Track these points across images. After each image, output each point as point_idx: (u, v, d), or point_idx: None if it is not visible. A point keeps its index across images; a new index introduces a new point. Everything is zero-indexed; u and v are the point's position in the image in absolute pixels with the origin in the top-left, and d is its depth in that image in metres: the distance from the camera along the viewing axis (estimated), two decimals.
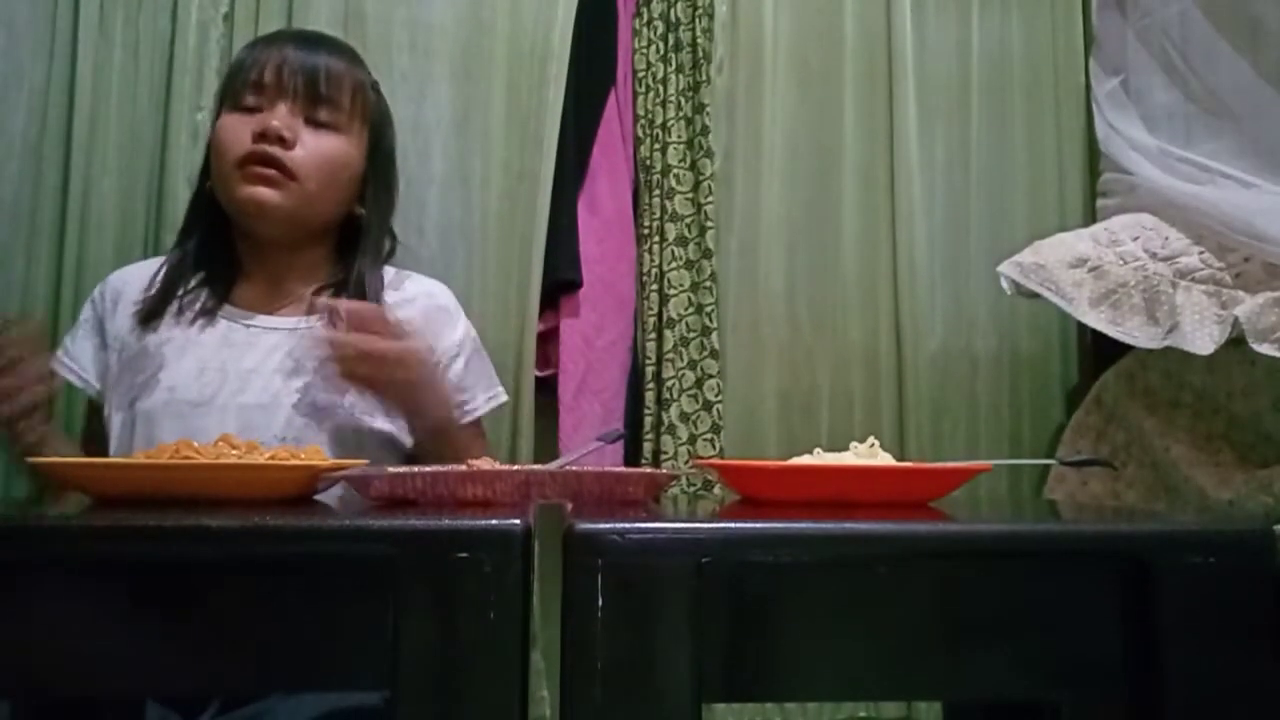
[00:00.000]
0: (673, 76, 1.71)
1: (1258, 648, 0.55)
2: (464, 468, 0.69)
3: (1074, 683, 0.56)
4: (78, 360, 1.13)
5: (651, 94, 1.71)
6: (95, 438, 1.14)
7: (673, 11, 1.72)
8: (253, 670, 0.55)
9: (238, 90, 1.10)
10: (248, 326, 1.10)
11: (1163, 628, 0.55)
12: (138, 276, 1.17)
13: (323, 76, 1.11)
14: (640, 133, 1.71)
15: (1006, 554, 0.57)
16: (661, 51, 1.72)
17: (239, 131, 1.08)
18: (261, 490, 0.66)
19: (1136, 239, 1.42)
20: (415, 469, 0.69)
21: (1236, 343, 1.25)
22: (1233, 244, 1.34)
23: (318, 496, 0.71)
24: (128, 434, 1.07)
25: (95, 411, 1.14)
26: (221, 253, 1.15)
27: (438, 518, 0.57)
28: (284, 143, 1.07)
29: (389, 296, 1.16)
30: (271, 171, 1.07)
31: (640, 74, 1.72)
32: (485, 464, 0.73)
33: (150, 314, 1.11)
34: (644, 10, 1.73)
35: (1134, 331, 1.33)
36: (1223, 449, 1.36)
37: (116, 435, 1.08)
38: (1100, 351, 1.63)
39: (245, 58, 1.13)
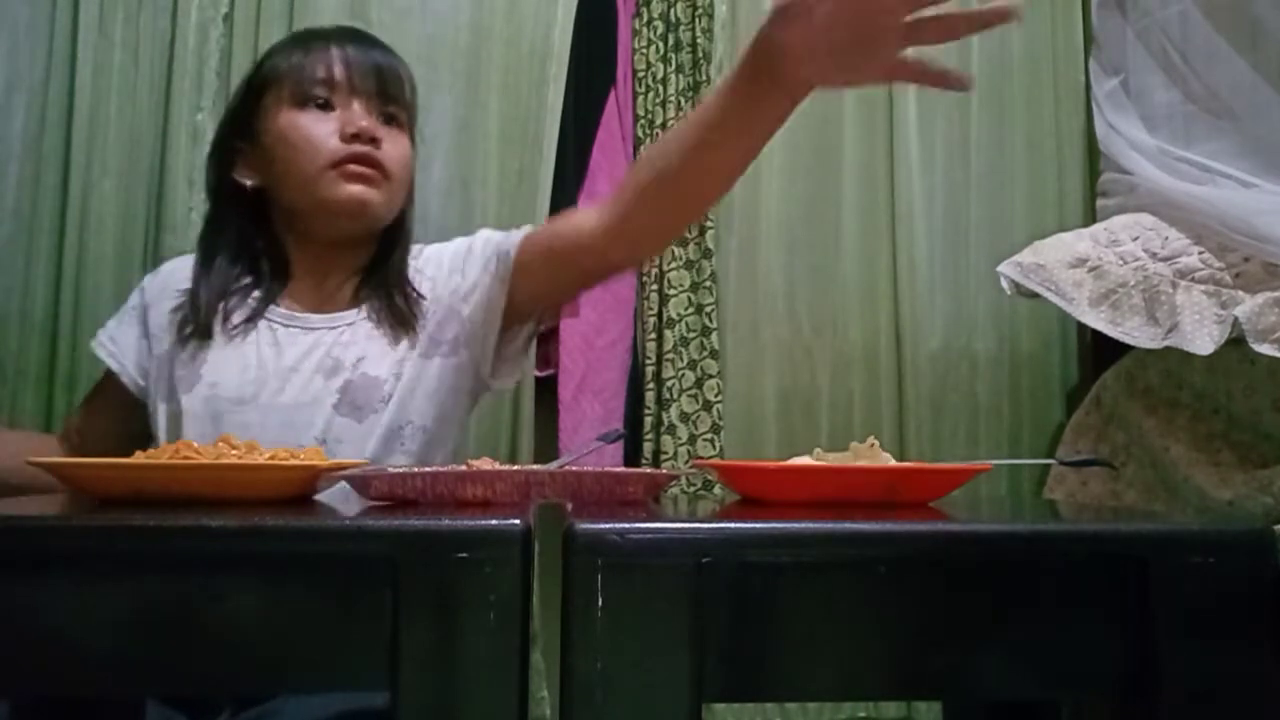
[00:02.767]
0: (673, 76, 1.71)
1: (1257, 647, 0.55)
2: (464, 468, 0.69)
3: (1074, 683, 0.56)
4: (119, 345, 1.13)
5: (651, 94, 1.71)
6: (98, 415, 1.14)
7: (673, 11, 1.72)
8: (252, 670, 0.55)
9: (304, 86, 1.07)
10: (288, 326, 1.09)
11: (1162, 628, 0.55)
12: (188, 268, 1.14)
13: (389, 75, 1.10)
14: (640, 133, 1.71)
15: (1006, 554, 0.57)
16: (661, 51, 1.72)
17: (320, 130, 1.06)
18: (261, 490, 0.66)
19: (1136, 239, 1.42)
20: (415, 469, 0.69)
21: (1236, 343, 1.24)
22: (1233, 244, 1.34)
23: (318, 496, 0.71)
24: (174, 428, 1.07)
25: (113, 393, 1.13)
26: (271, 254, 1.12)
27: (438, 518, 0.57)
28: (375, 143, 1.07)
29: (414, 264, 1.15)
30: (371, 171, 1.06)
31: (640, 74, 1.72)
32: (485, 464, 0.73)
33: (202, 329, 1.07)
34: (644, 10, 1.73)
35: (1134, 331, 1.33)
36: (1222, 449, 1.36)
37: (163, 429, 1.08)
38: (1100, 351, 1.63)
39: (298, 55, 1.09)
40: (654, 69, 1.71)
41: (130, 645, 0.54)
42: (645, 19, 1.72)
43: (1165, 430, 1.41)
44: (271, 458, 0.70)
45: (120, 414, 1.13)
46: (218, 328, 1.08)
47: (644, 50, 1.72)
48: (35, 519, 0.62)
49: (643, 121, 1.71)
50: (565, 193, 1.63)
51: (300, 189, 1.07)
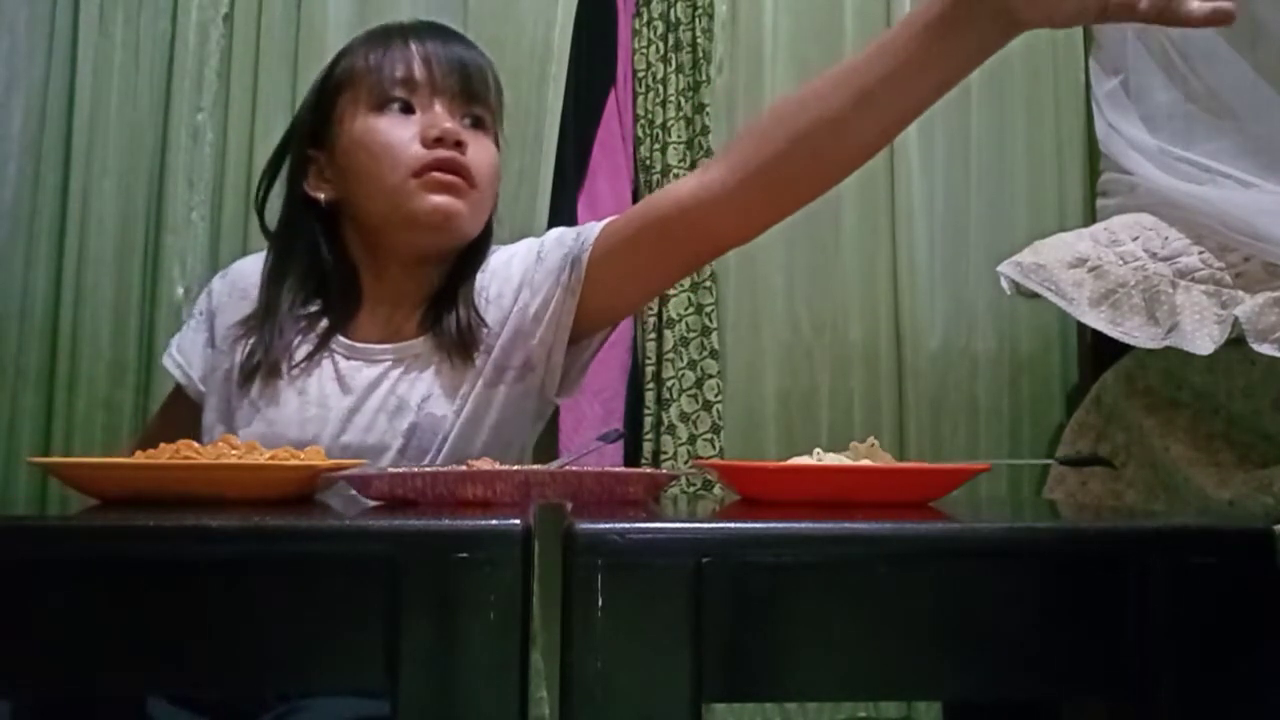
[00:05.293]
0: (673, 76, 1.71)
1: (1258, 648, 0.55)
2: (464, 468, 0.69)
3: (1074, 683, 0.56)
4: (186, 354, 1.07)
5: (651, 94, 1.71)
6: (171, 431, 1.04)
7: (673, 11, 1.72)
8: (252, 670, 0.55)
9: (383, 86, 0.98)
10: (350, 358, 1.00)
11: (1162, 628, 0.55)
12: (257, 271, 1.06)
13: (474, 72, 1.00)
14: (640, 133, 1.71)
15: (1006, 554, 0.57)
16: (661, 51, 1.72)
17: (401, 136, 0.96)
18: (261, 490, 0.66)
19: (1136, 239, 1.42)
20: (415, 469, 0.69)
21: (1236, 343, 1.24)
22: (1233, 244, 1.34)
23: (318, 496, 0.71)
24: None
25: (186, 407, 1.07)
26: (342, 278, 1.03)
27: (438, 518, 0.57)
28: (460, 147, 0.97)
29: (479, 281, 1.04)
30: (455, 179, 0.96)
31: (640, 74, 1.72)
32: (485, 464, 0.73)
33: (270, 364, 0.99)
34: (644, 10, 1.73)
35: (1134, 331, 1.33)
36: (1223, 449, 1.36)
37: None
38: (1100, 351, 1.63)
39: (375, 55, 0.99)
40: (654, 69, 1.71)
41: (130, 645, 0.54)
42: (645, 19, 1.72)
43: (1165, 430, 1.41)
44: (271, 458, 0.70)
45: (196, 422, 1.05)
46: (282, 349, 1.00)
47: (644, 50, 1.72)
48: (35, 519, 0.62)
49: (643, 121, 1.71)
50: (565, 193, 1.64)
51: (380, 201, 0.98)
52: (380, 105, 0.98)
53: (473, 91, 1.00)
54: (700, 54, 1.71)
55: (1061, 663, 0.56)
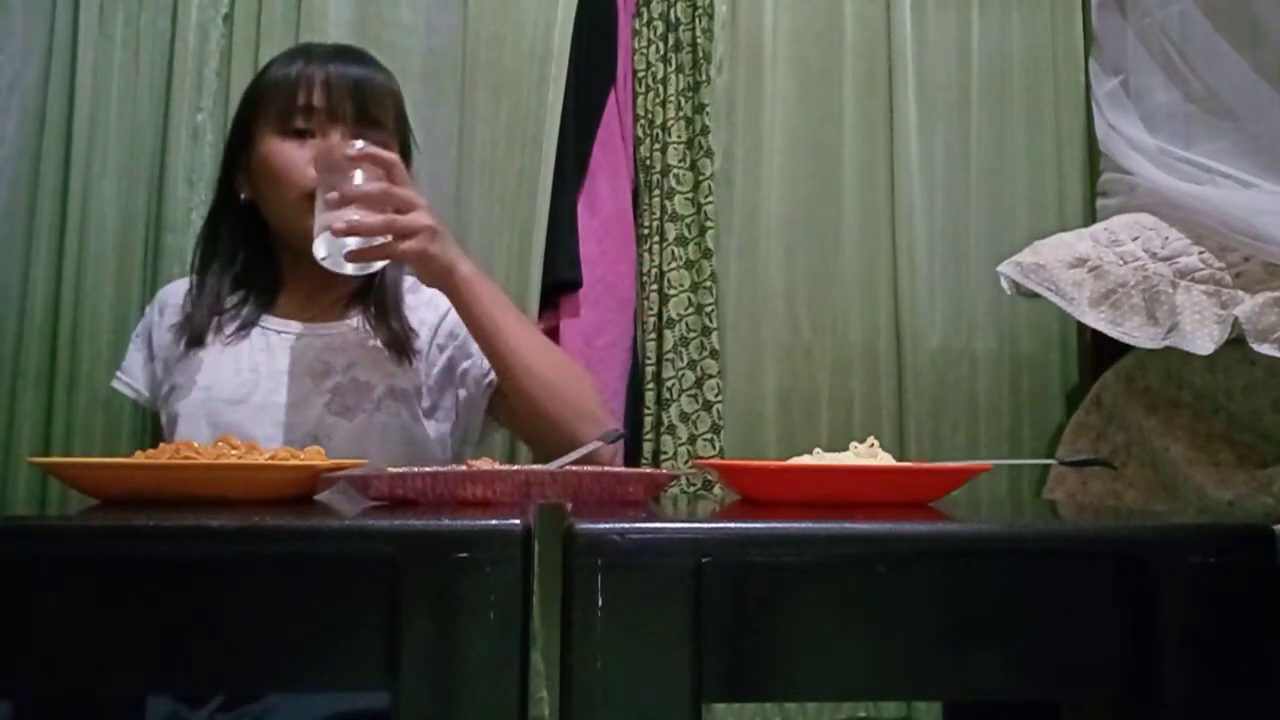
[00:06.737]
0: (673, 76, 1.71)
1: (1258, 647, 0.55)
2: (464, 468, 0.70)
3: (1074, 683, 0.56)
4: (129, 372, 1.19)
5: (651, 94, 1.71)
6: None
7: (673, 11, 1.72)
8: (252, 670, 0.55)
9: (285, 113, 1.10)
10: (280, 333, 1.14)
11: (1163, 628, 0.55)
12: (185, 289, 1.19)
13: (370, 98, 1.12)
14: (640, 133, 1.71)
15: (1006, 554, 0.57)
16: (661, 51, 1.71)
17: (297, 160, 1.08)
18: (261, 490, 0.66)
19: (1136, 239, 1.42)
20: (415, 469, 0.69)
21: (1236, 343, 1.24)
22: (1233, 244, 1.34)
23: (318, 496, 0.71)
24: (170, 433, 1.11)
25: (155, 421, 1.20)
26: (263, 267, 1.17)
27: (438, 518, 0.57)
28: None
29: (409, 299, 1.18)
30: None
31: (640, 74, 1.71)
32: (485, 464, 0.73)
33: (196, 336, 1.13)
34: (644, 10, 1.72)
35: (1134, 331, 1.33)
36: (1223, 449, 1.36)
37: (164, 437, 1.14)
38: (1100, 351, 1.63)
39: (285, 75, 1.11)
40: (654, 69, 1.71)
41: (130, 645, 0.54)
42: (645, 19, 1.72)
43: (1165, 430, 1.41)
44: (271, 458, 0.70)
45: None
46: (211, 336, 1.12)
47: (644, 50, 1.72)
48: (35, 519, 0.62)
49: (643, 121, 1.71)
50: (565, 193, 1.63)
51: (277, 214, 1.12)
52: (283, 129, 1.10)
53: (368, 117, 1.12)
54: (700, 54, 1.71)
55: (1062, 663, 0.56)
